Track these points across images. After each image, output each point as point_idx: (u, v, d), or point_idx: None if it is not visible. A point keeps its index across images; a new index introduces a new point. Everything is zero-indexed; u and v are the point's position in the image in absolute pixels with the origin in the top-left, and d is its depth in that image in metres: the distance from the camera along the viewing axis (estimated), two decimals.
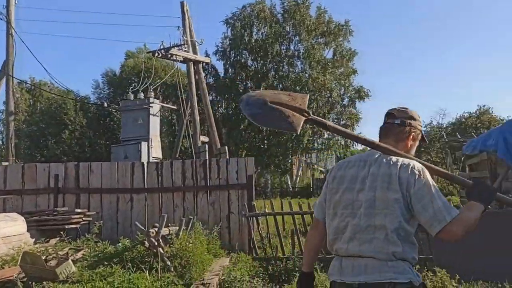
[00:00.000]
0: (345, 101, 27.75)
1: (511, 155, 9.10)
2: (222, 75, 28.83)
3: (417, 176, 2.10)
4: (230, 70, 28.41)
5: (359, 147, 40.12)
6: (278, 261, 7.06)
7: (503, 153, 9.25)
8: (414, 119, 2.40)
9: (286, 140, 25.87)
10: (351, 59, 27.63)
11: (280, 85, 27.15)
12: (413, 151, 2.39)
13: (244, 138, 27.55)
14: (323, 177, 30.92)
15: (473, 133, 20.61)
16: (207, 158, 14.15)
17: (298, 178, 32.27)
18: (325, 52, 27.72)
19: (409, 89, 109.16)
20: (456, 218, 2.03)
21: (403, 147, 2.33)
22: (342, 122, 27.50)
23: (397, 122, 2.37)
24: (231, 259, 7.15)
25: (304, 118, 2.26)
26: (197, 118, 17.47)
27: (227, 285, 5.69)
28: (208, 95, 21.82)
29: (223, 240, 8.04)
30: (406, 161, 2.18)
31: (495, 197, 2.22)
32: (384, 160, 2.21)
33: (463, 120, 30.07)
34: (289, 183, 29.56)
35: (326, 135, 28.19)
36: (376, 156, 2.27)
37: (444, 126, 30.95)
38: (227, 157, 12.95)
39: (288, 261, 6.87)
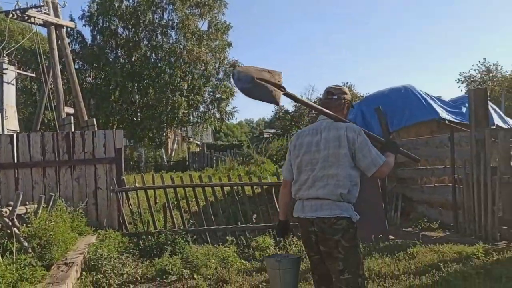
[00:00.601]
0: (221, 75, 27.83)
1: (367, 127, 10.02)
2: (89, 42, 26.90)
3: (357, 134, 2.95)
4: (98, 37, 26.64)
5: (234, 121, 41.00)
6: (149, 236, 6.89)
7: (361, 126, 10.15)
8: (346, 93, 3.19)
9: (160, 113, 25.21)
10: (225, 32, 27.66)
11: (153, 55, 26.22)
12: (347, 116, 3.20)
13: (115, 110, 26.24)
14: (199, 150, 30.91)
15: None
16: (72, 130, 13.18)
17: (174, 152, 31.85)
18: (200, 23, 27.37)
19: (280, 61, 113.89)
20: (384, 162, 2.96)
21: (341, 115, 3.09)
22: (218, 96, 27.64)
23: (335, 98, 3.14)
24: (98, 236, 6.80)
25: (282, 93, 2.87)
26: (61, 87, 16.08)
27: (93, 263, 5.42)
28: (74, 63, 20.26)
29: (90, 217, 7.62)
30: (349, 125, 3.01)
31: (400, 151, 3.28)
32: (332, 126, 3.00)
33: None
34: (164, 157, 29.01)
35: (201, 109, 28.13)
36: (324, 125, 3.05)
37: (313, 101, 32.98)
38: (95, 130, 12.20)
39: (160, 235, 6.74)
